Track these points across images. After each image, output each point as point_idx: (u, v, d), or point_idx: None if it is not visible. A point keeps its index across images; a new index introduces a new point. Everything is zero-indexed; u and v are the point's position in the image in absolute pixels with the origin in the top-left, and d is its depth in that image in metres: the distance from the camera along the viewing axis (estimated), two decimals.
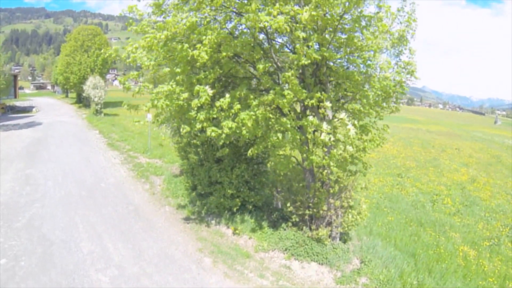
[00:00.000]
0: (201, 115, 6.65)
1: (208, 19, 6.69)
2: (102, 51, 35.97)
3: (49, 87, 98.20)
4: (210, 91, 6.43)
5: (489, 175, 21.59)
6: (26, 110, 41.90)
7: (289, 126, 6.57)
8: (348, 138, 6.26)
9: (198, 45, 6.26)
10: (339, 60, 7.82)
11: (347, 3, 6.24)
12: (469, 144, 34.14)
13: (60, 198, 11.91)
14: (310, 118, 6.30)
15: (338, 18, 6.26)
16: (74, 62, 43.63)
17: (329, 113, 7.98)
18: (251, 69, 8.52)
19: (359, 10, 7.06)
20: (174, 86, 6.97)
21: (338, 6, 6.14)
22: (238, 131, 6.74)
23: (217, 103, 6.60)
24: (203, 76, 6.94)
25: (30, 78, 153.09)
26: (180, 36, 6.64)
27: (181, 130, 7.54)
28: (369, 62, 6.83)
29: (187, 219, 11.14)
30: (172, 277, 7.96)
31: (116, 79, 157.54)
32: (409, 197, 14.88)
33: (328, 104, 6.46)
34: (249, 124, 6.39)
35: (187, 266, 8.51)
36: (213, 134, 6.70)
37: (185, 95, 6.85)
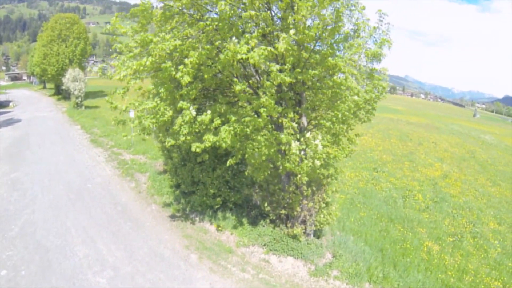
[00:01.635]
0: (184, 129, 7.21)
1: (190, 40, 7.11)
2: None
3: (25, 77, 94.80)
4: (194, 112, 6.99)
5: (461, 170, 22.63)
6: (3, 105, 40.69)
7: (263, 144, 7.20)
8: (316, 153, 6.95)
9: (181, 67, 6.73)
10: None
11: (324, 27, 6.86)
12: (446, 138, 35.29)
13: (49, 202, 12.26)
14: (282, 135, 6.98)
15: (314, 42, 6.87)
16: (52, 53, 42.39)
17: (304, 122, 8.69)
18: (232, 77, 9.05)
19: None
20: (158, 102, 7.49)
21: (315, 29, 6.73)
22: (218, 143, 7.36)
23: (199, 118, 7.17)
24: (185, 92, 7.46)
25: (4, 68, 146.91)
26: (164, 59, 7.06)
27: (166, 143, 8.08)
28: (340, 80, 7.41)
29: (173, 216, 11.78)
30: (164, 274, 8.69)
31: (95, 65, 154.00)
32: (382, 193, 15.71)
33: (295, 125, 7.13)
34: (229, 141, 7.03)
35: (176, 263, 9.24)
36: (197, 150, 7.31)
37: (170, 113, 7.38)
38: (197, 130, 7.33)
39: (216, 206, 11.20)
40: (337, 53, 7.25)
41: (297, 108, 8.16)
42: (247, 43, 6.18)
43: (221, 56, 6.21)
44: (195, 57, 6.54)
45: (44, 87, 66.75)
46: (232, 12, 6.41)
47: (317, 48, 7.96)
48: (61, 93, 45.90)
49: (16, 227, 10.47)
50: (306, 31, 6.34)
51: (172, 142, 7.66)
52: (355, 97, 7.25)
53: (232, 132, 7.00)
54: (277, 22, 8.09)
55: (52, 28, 43.18)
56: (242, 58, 6.15)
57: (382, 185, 16.51)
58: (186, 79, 6.60)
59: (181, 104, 6.87)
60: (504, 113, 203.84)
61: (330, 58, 6.74)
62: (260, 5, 6.96)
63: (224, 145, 7.19)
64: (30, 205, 11.95)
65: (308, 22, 7.70)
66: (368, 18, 8.41)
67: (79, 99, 35.21)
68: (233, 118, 6.83)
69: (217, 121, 6.88)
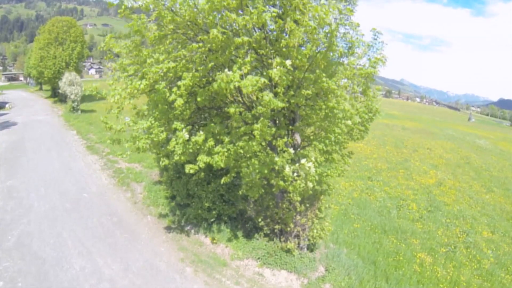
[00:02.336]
0: (178, 150, 7.31)
1: (184, 61, 7.16)
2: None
3: (21, 78, 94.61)
4: (186, 136, 7.08)
5: (456, 177, 22.66)
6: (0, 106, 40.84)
7: (257, 166, 7.31)
8: (309, 175, 7.06)
9: (174, 89, 6.79)
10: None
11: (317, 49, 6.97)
12: (441, 144, 35.32)
13: (45, 212, 12.29)
14: (276, 158, 7.09)
15: (307, 64, 6.96)
16: (49, 56, 42.13)
17: (298, 139, 8.82)
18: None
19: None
20: (152, 122, 7.59)
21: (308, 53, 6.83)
22: (212, 163, 7.46)
23: (193, 139, 7.27)
24: (179, 112, 7.54)
25: (1, 68, 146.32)
26: (158, 80, 7.14)
27: (160, 162, 8.18)
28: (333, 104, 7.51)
29: (168, 228, 11.86)
30: None
31: (92, 67, 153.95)
32: (376, 203, 15.71)
33: (291, 150, 7.25)
34: (222, 164, 7.15)
35: (172, 276, 9.36)
36: (191, 171, 7.41)
37: (164, 135, 7.49)
38: (191, 150, 7.42)
39: (211, 219, 11.30)
40: (329, 81, 7.31)
41: (291, 127, 8.27)
42: (240, 68, 6.28)
43: (215, 85, 6.31)
44: (189, 79, 6.62)
45: (41, 89, 66.62)
46: (224, 37, 6.47)
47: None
48: (57, 95, 45.79)
49: (12, 237, 10.53)
50: (300, 56, 6.46)
51: (166, 162, 7.78)
52: (348, 122, 7.37)
53: (226, 154, 7.10)
54: (270, 35, 8.16)
55: (49, 31, 42.96)
56: (235, 86, 6.26)
57: (377, 195, 16.54)
58: (180, 102, 6.69)
59: (175, 125, 6.98)
60: (498, 116, 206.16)
61: (323, 79, 6.85)
62: (254, 28, 7.06)
63: (217, 165, 7.32)
64: (26, 215, 11.97)
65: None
66: (362, 34, 8.53)
67: (75, 103, 35.16)
68: (227, 139, 6.94)
69: (211, 142, 6.98)
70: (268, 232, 10.29)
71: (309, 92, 7.34)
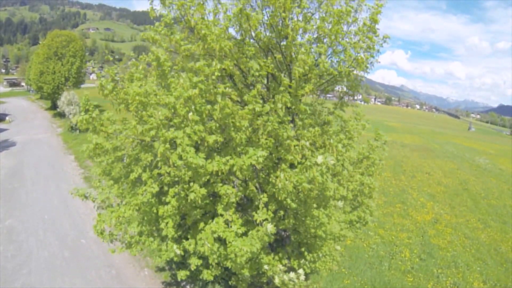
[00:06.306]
0: (171, 253, 7.43)
1: (168, 177, 7.13)
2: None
3: (23, 83, 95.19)
4: (178, 252, 7.23)
5: (453, 210, 22.41)
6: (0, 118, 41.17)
7: (247, 275, 7.46)
8: (298, 281, 7.19)
9: (161, 210, 6.82)
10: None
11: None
12: (440, 164, 34.93)
13: (45, 260, 12.57)
14: (266, 267, 7.24)
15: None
16: (48, 71, 42.44)
17: (287, 240, 8.96)
18: None
19: None
20: (143, 226, 7.75)
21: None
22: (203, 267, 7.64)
23: (184, 243, 7.39)
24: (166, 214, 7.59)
25: (3, 70, 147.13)
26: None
27: (154, 260, 8.33)
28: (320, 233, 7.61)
29: (164, 284, 12.00)
30: None
31: (93, 72, 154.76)
32: (369, 251, 15.45)
33: (281, 267, 7.40)
34: (212, 278, 7.34)
35: None
36: (184, 277, 7.59)
37: (155, 244, 7.66)
38: (182, 253, 7.57)
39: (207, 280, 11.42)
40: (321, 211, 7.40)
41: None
42: (225, 209, 6.36)
43: (198, 235, 6.42)
44: (175, 200, 6.63)
45: (41, 98, 66.86)
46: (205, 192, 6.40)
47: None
48: (57, 108, 45.97)
49: None
50: (288, 200, 6.53)
51: (159, 260, 7.94)
52: (338, 247, 7.50)
53: (216, 260, 7.18)
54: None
55: (48, 45, 43.06)
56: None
57: (370, 241, 16.30)
58: (170, 230, 6.84)
59: (166, 231, 7.09)
60: (498, 124, 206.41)
61: (313, 209, 6.97)
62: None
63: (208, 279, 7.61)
64: (27, 263, 12.27)
65: None
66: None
67: (74, 123, 35.37)
68: (217, 245, 7.06)
69: (202, 248, 7.10)
70: None
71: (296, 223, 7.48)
